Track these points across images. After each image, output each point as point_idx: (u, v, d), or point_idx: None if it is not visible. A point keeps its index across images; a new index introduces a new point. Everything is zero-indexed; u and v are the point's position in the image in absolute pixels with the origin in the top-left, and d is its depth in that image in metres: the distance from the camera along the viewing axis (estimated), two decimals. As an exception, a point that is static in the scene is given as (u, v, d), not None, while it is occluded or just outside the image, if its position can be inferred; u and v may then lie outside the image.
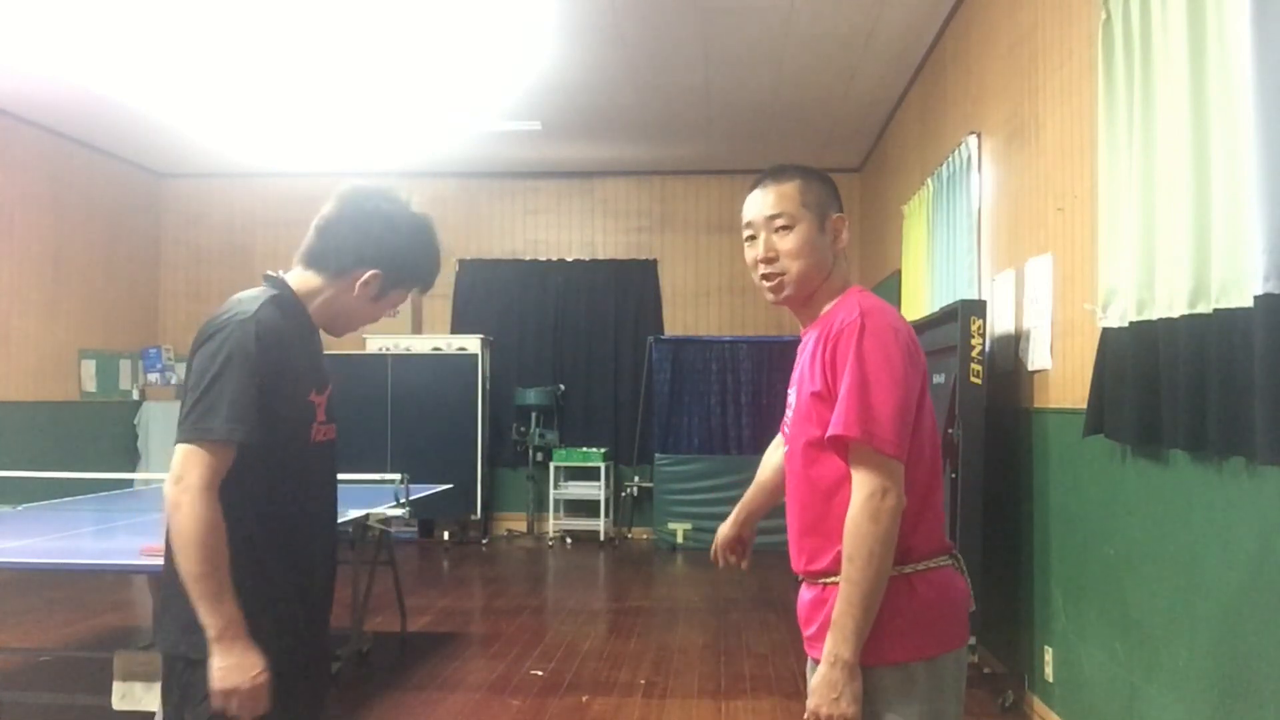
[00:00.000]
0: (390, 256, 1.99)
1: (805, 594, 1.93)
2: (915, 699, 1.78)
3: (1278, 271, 2.28)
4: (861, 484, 1.75)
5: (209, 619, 1.77)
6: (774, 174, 1.94)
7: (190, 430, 1.79)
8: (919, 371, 1.82)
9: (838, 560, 1.78)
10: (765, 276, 1.92)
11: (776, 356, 9.20)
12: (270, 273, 2.02)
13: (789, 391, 2.03)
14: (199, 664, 1.80)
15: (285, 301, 1.96)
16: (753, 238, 1.94)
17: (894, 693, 1.78)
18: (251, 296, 1.93)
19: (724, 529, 2.36)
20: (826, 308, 1.90)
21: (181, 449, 1.79)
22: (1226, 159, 2.54)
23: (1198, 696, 2.85)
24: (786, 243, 1.88)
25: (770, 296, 1.94)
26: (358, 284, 1.98)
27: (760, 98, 7.44)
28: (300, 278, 2.01)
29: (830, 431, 1.78)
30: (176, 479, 1.77)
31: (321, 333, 2.06)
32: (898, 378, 1.75)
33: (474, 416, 9.07)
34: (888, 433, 1.72)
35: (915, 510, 1.81)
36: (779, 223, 1.89)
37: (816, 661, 1.84)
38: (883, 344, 1.76)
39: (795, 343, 2.03)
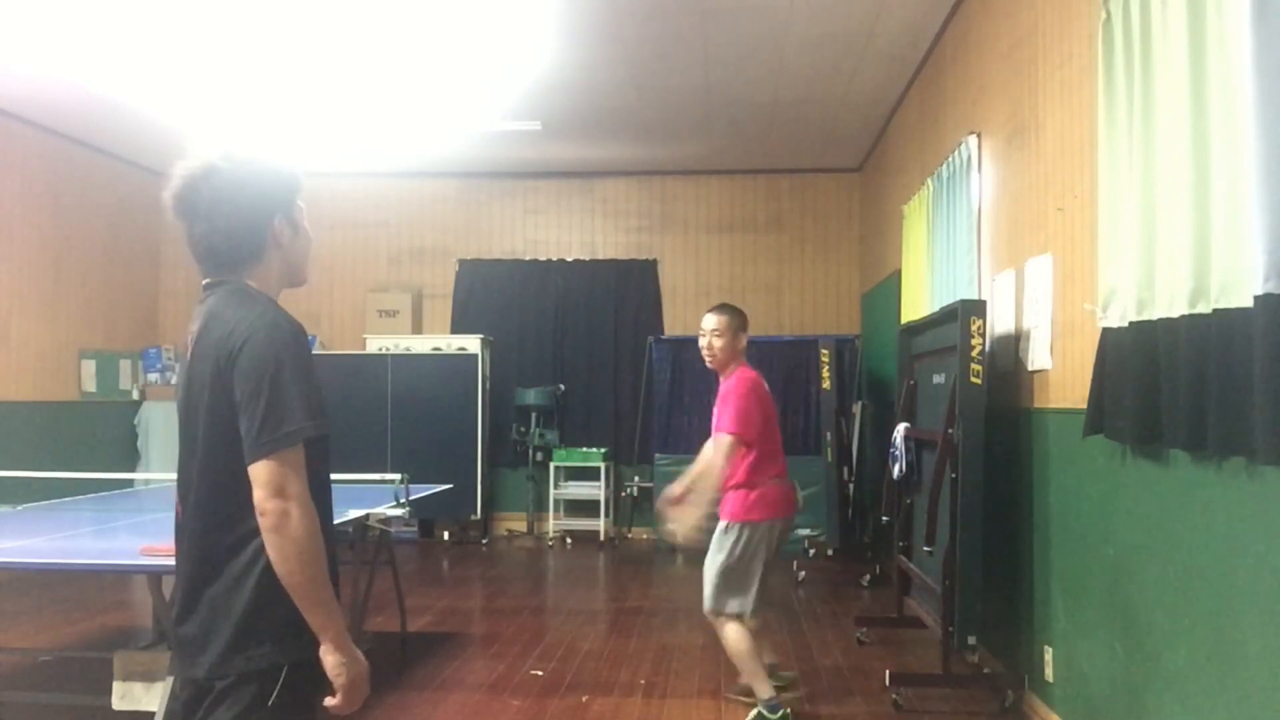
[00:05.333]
0: (272, 191, 1.94)
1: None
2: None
3: (1278, 271, 2.29)
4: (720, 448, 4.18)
5: (328, 620, 1.80)
6: None
7: (275, 440, 1.76)
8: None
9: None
10: None
11: (776, 357, 9.17)
12: (210, 280, 1.94)
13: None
14: (298, 666, 1.83)
15: (271, 299, 1.95)
16: None
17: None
18: (253, 303, 1.88)
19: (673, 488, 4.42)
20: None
21: (269, 464, 1.75)
22: (1226, 159, 2.54)
23: (1198, 696, 2.85)
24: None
25: None
26: (275, 237, 1.94)
27: (760, 98, 7.44)
28: (251, 279, 1.93)
29: (716, 429, 4.20)
30: (278, 491, 1.75)
31: (308, 333, 2.04)
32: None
33: (474, 416, 9.07)
34: (744, 427, 4.14)
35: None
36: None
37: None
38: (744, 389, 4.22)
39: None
